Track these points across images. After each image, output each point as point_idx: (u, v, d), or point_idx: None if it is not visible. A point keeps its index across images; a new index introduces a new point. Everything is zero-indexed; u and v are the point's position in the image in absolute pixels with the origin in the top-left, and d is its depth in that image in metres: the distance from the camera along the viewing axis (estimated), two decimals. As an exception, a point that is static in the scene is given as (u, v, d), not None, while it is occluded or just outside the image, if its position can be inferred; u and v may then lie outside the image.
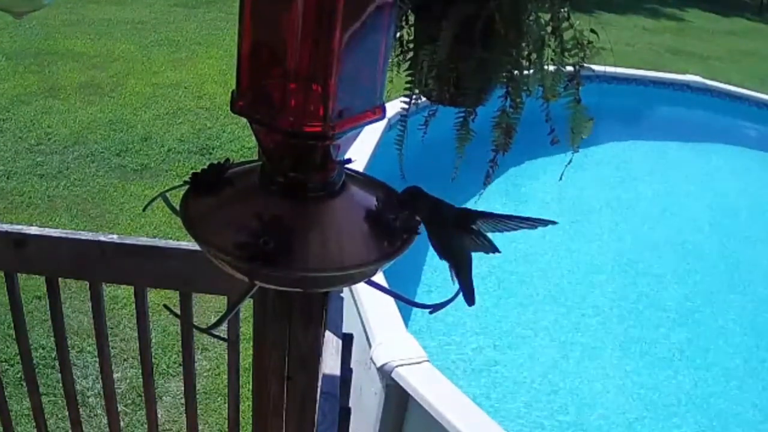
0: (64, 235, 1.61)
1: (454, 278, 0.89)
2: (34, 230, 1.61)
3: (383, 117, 0.77)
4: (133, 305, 1.69)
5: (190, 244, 1.55)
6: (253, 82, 0.75)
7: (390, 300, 2.75)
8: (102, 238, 1.60)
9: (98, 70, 6.50)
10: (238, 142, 5.37)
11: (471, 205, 0.93)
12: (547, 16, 1.03)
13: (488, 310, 3.85)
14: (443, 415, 2.28)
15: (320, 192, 0.78)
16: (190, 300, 1.65)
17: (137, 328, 1.72)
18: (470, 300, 0.90)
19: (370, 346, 2.55)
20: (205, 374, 3.12)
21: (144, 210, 4.24)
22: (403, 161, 1.16)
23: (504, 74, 1.06)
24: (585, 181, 5.39)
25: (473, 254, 0.92)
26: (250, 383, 1.39)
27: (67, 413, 1.92)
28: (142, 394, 2.11)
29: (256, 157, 0.90)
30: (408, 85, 1.08)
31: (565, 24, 1.04)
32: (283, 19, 0.70)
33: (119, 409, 2.23)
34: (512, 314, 3.91)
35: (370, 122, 0.76)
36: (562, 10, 1.03)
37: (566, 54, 1.04)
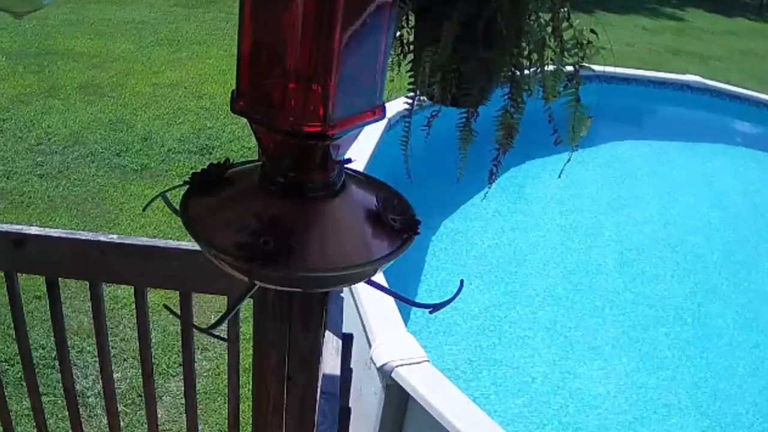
0: (64, 235, 1.61)
1: None
2: (34, 230, 1.61)
3: (383, 117, 0.77)
4: (133, 305, 1.70)
5: (190, 244, 1.55)
6: (253, 82, 0.75)
7: (390, 300, 2.75)
8: (102, 238, 1.60)
9: (98, 70, 6.50)
10: (238, 142, 5.37)
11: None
12: (548, 16, 1.03)
13: (488, 310, 3.85)
14: (443, 415, 2.28)
15: (320, 192, 0.78)
16: (190, 300, 1.65)
17: (137, 328, 1.72)
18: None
19: (370, 346, 2.55)
20: (205, 374, 3.12)
21: (144, 210, 4.24)
22: (408, 161, 1.16)
23: (505, 74, 1.06)
24: (585, 180, 5.40)
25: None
26: (250, 383, 1.39)
27: (67, 413, 1.92)
28: (142, 394, 2.11)
29: (256, 157, 0.90)
30: (410, 86, 1.08)
31: (565, 24, 1.04)
32: (283, 19, 0.70)
33: (119, 409, 2.23)
34: (512, 314, 3.92)
35: (370, 122, 0.76)
36: (563, 10, 1.03)
37: (566, 54, 1.04)
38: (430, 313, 0.87)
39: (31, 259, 1.60)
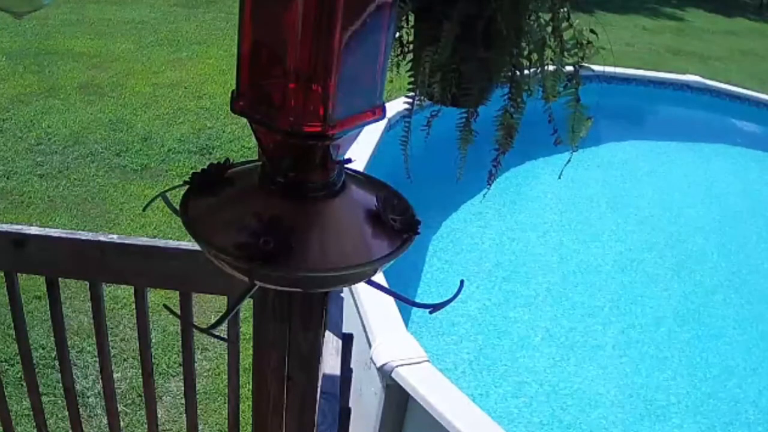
0: (64, 235, 1.61)
1: None
2: (34, 230, 1.61)
3: (383, 117, 0.77)
4: (133, 305, 1.70)
5: (190, 244, 1.55)
6: (253, 82, 0.75)
7: (390, 300, 2.75)
8: (102, 238, 1.60)
9: (98, 70, 6.50)
10: (238, 142, 5.37)
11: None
12: (548, 16, 1.03)
13: (488, 310, 3.85)
14: (443, 415, 2.28)
15: (320, 192, 0.78)
16: (190, 300, 1.65)
17: (137, 328, 1.72)
18: None
19: (370, 346, 2.55)
20: (205, 374, 3.12)
21: (144, 210, 4.24)
22: (408, 161, 1.16)
23: (505, 74, 1.06)
24: (585, 180, 5.40)
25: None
26: (250, 383, 1.39)
27: (67, 413, 1.92)
28: (142, 394, 2.11)
29: (256, 157, 0.90)
30: (410, 86, 1.08)
31: (565, 24, 1.04)
32: (283, 19, 0.70)
33: (119, 409, 2.24)
34: (512, 314, 3.92)
35: (370, 122, 0.76)
36: (563, 10, 1.03)
37: (566, 54, 1.04)
38: (430, 313, 0.87)
39: (31, 259, 1.60)
